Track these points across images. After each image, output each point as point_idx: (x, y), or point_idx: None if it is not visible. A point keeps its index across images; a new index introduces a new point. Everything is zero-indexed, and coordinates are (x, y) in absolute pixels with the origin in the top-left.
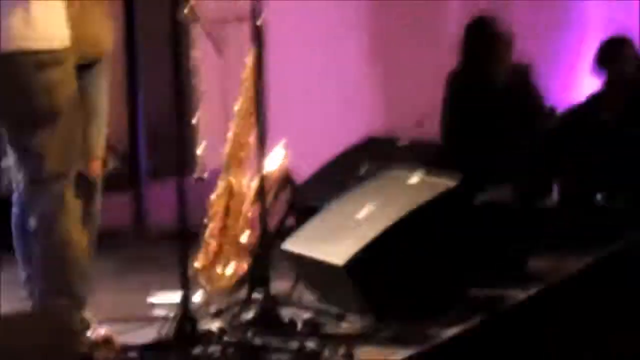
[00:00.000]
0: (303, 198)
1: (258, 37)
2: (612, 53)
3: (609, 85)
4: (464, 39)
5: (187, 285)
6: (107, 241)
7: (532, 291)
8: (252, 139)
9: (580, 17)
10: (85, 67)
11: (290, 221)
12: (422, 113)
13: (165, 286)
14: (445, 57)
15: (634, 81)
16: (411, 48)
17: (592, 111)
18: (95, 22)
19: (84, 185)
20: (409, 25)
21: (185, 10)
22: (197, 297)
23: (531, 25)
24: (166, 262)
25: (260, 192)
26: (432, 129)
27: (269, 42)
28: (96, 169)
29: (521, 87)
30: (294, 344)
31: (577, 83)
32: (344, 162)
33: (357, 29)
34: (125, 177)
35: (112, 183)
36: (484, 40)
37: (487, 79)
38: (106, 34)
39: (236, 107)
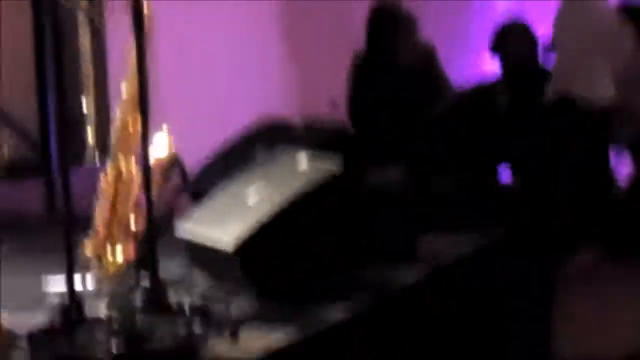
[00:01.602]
0: (198, 182)
1: (139, 19)
2: (503, 38)
3: (502, 69)
4: (368, 21)
5: (71, 272)
6: (18, 227)
7: (421, 273)
8: (138, 122)
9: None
10: None
11: (185, 205)
12: (334, 94)
13: (59, 272)
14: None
15: (524, 66)
16: (322, 26)
17: (485, 94)
18: None
19: None
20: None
21: None
22: (88, 283)
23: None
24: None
25: (146, 176)
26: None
27: (161, 23)
28: None
29: (425, 68)
30: (181, 328)
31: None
32: (240, 146)
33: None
34: (37, 165)
35: (25, 170)
36: (387, 22)
37: (391, 60)
38: None
39: (123, 90)
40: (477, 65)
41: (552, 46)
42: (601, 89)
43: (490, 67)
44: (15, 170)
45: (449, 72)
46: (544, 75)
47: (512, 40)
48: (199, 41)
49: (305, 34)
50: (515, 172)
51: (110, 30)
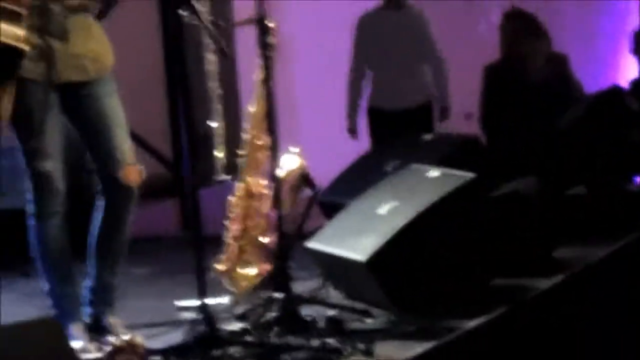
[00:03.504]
0: (330, 197)
1: (265, 38)
2: None
3: None
4: (502, 33)
5: (204, 289)
6: (149, 246)
7: (557, 280)
8: (268, 140)
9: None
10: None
11: (320, 221)
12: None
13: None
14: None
15: None
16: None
17: (618, 98)
18: (93, 40)
19: (120, 193)
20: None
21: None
22: (223, 300)
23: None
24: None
25: (277, 192)
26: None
27: (294, 45)
28: (130, 175)
29: (558, 77)
30: (315, 342)
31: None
32: (370, 160)
33: None
34: (170, 184)
35: (159, 190)
36: (520, 27)
37: (525, 71)
38: (106, 50)
39: (251, 109)
40: (607, 71)
41: None
42: None
43: (620, 71)
44: (150, 192)
45: (580, 77)
46: None
47: None
48: (330, 60)
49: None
50: None
51: (240, 49)
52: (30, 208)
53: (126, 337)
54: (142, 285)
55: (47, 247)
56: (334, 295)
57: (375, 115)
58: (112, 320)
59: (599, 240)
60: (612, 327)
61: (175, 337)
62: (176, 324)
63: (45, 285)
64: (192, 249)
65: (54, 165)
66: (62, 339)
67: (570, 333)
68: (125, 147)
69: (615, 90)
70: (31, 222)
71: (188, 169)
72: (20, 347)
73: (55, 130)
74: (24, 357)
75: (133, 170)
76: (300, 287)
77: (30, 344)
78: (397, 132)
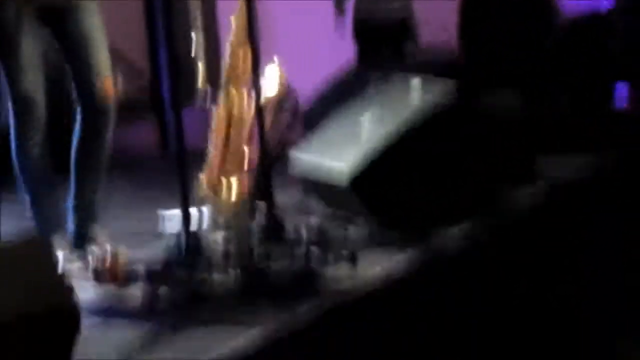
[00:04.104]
0: (311, 113)
1: None
2: None
3: None
4: None
5: (187, 207)
6: (131, 167)
7: (540, 191)
8: (249, 50)
9: None
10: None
11: (299, 136)
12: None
13: (174, 205)
14: None
15: None
16: None
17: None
18: None
19: (97, 106)
20: None
21: None
22: (205, 210)
23: None
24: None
25: (259, 114)
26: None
27: None
28: (107, 87)
29: None
30: (299, 251)
31: None
32: (353, 71)
33: None
34: (148, 106)
35: (137, 110)
36: None
37: None
38: None
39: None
40: None
41: None
42: None
43: None
44: (126, 111)
45: None
46: None
47: None
48: None
49: None
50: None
51: None
52: (12, 130)
53: (110, 249)
54: (124, 200)
55: (27, 167)
56: (317, 205)
57: (360, 25)
58: (95, 233)
59: (579, 156)
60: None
61: (158, 247)
62: (159, 235)
63: (27, 203)
64: (173, 165)
65: (34, 85)
66: (49, 256)
67: (554, 247)
68: (104, 60)
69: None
70: (13, 143)
71: (170, 87)
72: (6, 266)
73: (34, 48)
74: (10, 276)
75: (110, 81)
76: (283, 197)
77: (17, 262)
78: (381, 43)
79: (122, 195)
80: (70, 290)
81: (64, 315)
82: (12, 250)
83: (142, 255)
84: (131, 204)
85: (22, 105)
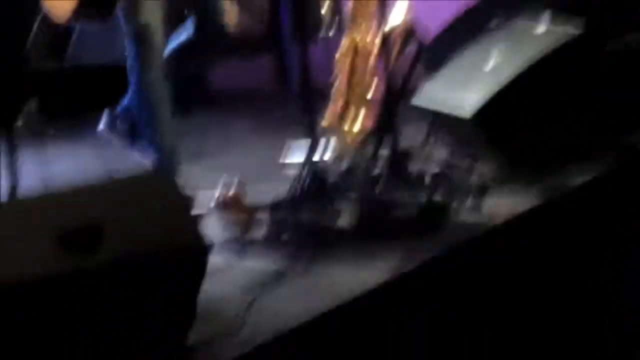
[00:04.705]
0: (434, 52)
1: None
2: None
3: None
4: None
5: (314, 143)
6: (248, 102)
7: None
8: None
9: None
10: None
11: (419, 75)
12: None
13: (297, 144)
14: None
15: None
16: None
17: None
18: None
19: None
20: None
21: None
22: (327, 154)
23: None
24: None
25: (385, 46)
26: None
27: None
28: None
29: None
30: (422, 197)
31: None
32: (475, 13)
33: None
34: (267, 40)
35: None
36: None
37: None
38: None
39: None
40: None
41: None
42: None
43: None
44: (245, 46)
45: None
46: None
47: None
48: None
49: None
50: None
51: None
52: (131, 61)
53: (235, 182)
54: (245, 140)
55: (147, 96)
56: (439, 150)
57: None
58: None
59: None
60: None
61: (281, 192)
62: (284, 166)
63: (146, 138)
64: (292, 104)
65: (154, 13)
66: (176, 188)
67: None
68: None
69: None
70: (132, 75)
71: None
72: (134, 199)
73: None
74: (138, 209)
75: (232, 9)
76: (407, 130)
77: (144, 196)
78: None
79: (245, 129)
80: (198, 224)
81: (192, 249)
82: (140, 181)
83: (267, 187)
84: (254, 137)
85: (143, 34)
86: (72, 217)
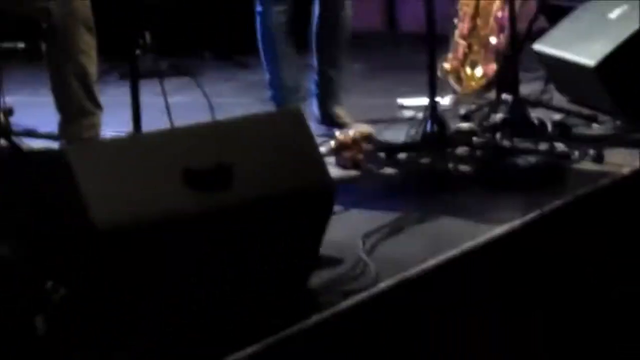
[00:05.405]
0: (555, 6)
1: None
2: None
3: None
4: None
5: (434, 87)
6: (360, 45)
7: None
8: None
9: None
10: None
11: (542, 23)
12: None
13: (415, 88)
14: None
15: None
16: None
17: None
18: None
19: None
20: None
21: None
22: (447, 99)
23: None
24: (417, 65)
25: None
26: None
27: None
28: None
29: None
30: (543, 146)
31: None
32: None
33: None
34: None
35: None
36: None
37: None
38: None
39: None
40: None
41: None
42: None
43: None
44: None
45: None
46: None
47: None
48: None
49: None
50: None
51: None
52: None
53: (352, 131)
54: (360, 81)
55: (271, 35)
56: (558, 99)
57: None
58: (339, 111)
59: None
60: None
61: (398, 135)
62: (400, 120)
63: (267, 75)
64: (406, 46)
65: None
66: (305, 127)
67: None
68: None
69: None
70: (258, 10)
71: None
72: (267, 134)
73: None
74: (271, 144)
75: None
76: (526, 89)
77: (276, 131)
78: None
79: (360, 77)
80: (324, 163)
81: (320, 189)
82: (271, 120)
83: (383, 138)
84: (369, 87)
85: None
86: (200, 156)
